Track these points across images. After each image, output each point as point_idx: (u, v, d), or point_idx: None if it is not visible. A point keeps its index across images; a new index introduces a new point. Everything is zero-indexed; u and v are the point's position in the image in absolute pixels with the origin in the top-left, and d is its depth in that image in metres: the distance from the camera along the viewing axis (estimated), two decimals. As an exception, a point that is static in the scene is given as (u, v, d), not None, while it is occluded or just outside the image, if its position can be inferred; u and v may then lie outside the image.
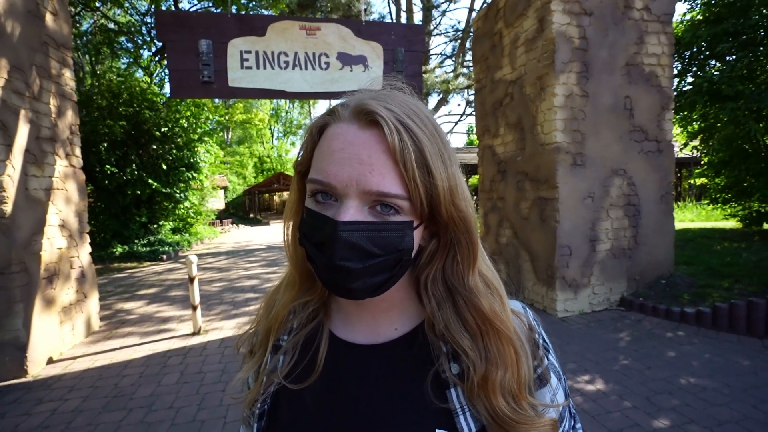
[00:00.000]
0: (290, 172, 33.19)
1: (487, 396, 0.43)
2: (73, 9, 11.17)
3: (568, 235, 4.34)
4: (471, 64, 9.80)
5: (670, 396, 2.69)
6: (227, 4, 11.92)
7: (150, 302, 5.83)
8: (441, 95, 11.04)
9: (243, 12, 12.06)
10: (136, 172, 9.57)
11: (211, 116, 12.11)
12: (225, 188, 24.58)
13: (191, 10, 11.64)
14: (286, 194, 33.89)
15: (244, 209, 28.03)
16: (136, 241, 10.16)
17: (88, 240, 4.49)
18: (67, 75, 4.18)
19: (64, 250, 3.97)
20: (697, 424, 2.36)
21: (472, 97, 11.54)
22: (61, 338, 3.84)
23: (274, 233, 16.84)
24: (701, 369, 3.05)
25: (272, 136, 41.65)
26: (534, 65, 4.53)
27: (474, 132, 7.51)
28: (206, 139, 11.58)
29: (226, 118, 17.57)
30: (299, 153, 0.49)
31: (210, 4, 12.47)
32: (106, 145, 9.21)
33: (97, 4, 10.66)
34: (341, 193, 0.41)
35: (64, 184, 4.04)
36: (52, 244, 3.78)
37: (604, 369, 3.14)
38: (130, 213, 10.12)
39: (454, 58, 11.29)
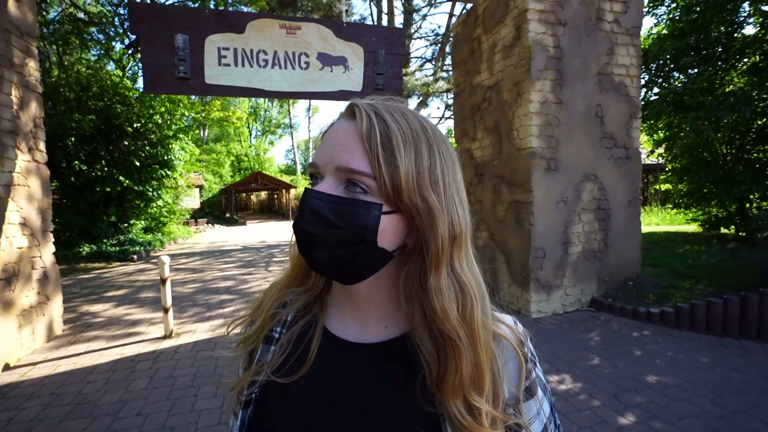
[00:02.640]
0: (268, 172, 32.64)
1: (442, 398, 0.45)
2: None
3: (542, 237, 4.45)
4: (450, 68, 9.95)
5: (636, 393, 2.81)
6: (205, -1, 11.65)
7: (118, 304, 5.61)
8: (421, 98, 11.12)
9: (221, 8, 11.81)
10: (106, 169, 9.20)
11: (186, 113, 11.77)
12: (200, 187, 23.94)
13: (167, 3, 11.29)
14: (263, 194, 33.36)
15: (220, 208, 27.39)
16: (105, 240, 9.76)
17: (52, 239, 4.28)
18: (32, 65, 3.98)
19: (25, 249, 3.78)
20: (660, 420, 2.47)
21: (451, 101, 11.70)
22: (19, 343, 3.65)
23: (250, 233, 16.53)
24: (664, 367, 3.19)
25: (250, 135, 40.93)
26: (511, 71, 4.64)
27: (453, 135, 7.62)
28: (181, 136, 11.25)
29: (203, 115, 17.14)
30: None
31: (187, -2, 12.15)
32: (73, 139, 8.82)
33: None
34: (322, 170, 0.47)
35: (27, 179, 3.84)
36: (12, 243, 3.59)
37: (575, 368, 3.24)
38: (98, 211, 9.71)
39: (434, 62, 11.41)
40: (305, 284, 0.57)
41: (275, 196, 30.64)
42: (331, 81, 4.15)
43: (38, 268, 3.98)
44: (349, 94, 4.19)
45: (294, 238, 0.54)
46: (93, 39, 13.09)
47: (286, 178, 30.08)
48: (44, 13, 11.40)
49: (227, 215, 25.42)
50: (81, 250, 9.16)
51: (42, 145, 4.13)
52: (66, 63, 12.69)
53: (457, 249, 0.47)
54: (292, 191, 26.28)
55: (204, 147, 29.31)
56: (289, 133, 44.36)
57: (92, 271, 8.28)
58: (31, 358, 3.69)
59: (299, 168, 41.19)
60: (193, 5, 12.15)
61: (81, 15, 12.13)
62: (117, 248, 9.54)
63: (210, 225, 19.86)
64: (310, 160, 0.50)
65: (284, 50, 4.05)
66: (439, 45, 13.01)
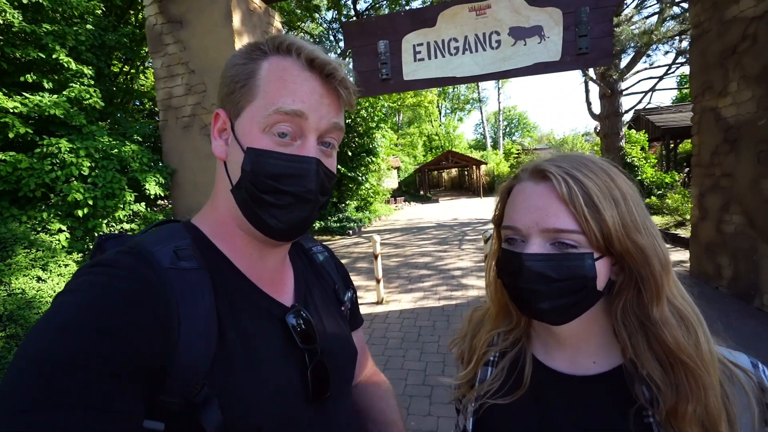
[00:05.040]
0: (458, 149, 33.30)
1: (677, 427, 0.46)
2: (283, 31, 13.75)
3: None
4: (686, 2, 7.52)
5: None
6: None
7: (343, 271, 6.95)
8: (640, 48, 8.70)
9: (412, 6, 12.46)
10: (329, 159, 11.35)
11: (385, 104, 13.22)
12: (398, 168, 26.58)
13: (367, 11, 12.73)
14: (454, 171, 34.44)
15: (414, 187, 29.80)
16: (329, 218, 12.16)
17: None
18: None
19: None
20: None
21: (685, 45, 8.84)
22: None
23: (443, 211, 17.40)
24: None
25: (440, 114, 42.44)
26: (795, -11, 3.27)
27: (686, 86, 5.89)
28: (382, 125, 12.75)
29: (399, 103, 18.81)
30: (494, 209, 0.60)
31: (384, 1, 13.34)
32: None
33: (299, 23, 12.82)
34: (525, 233, 0.52)
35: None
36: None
37: None
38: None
39: (659, -3, 8.83)
40: (508, 322, 0.64)
41: (465, 173, 31.11)
42: (525, 55, 3.89)
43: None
44: (546, 66, 3.84)
45: (491, 279, 0.63)
46: (315, 54, 16.04)
47: (476, 154, 30.06)
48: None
49: (421, 193, 27.45)
50: (315, 225, 11.69)
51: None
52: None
53: (666, 277, 0.49)
54: (483, 167, 26.07)
55: (400, 132, 32.16)
56: (478, 107, 43.76)
57: (323, 242, 10.47)
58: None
59: (489, 142, 40.37)
60: (386, 3, 13.26)
61: (308, 38, 15.04)
62: (338, 224, 11.75)
63: (407, 203, 21.94)
64: (506, 222, 0.55)
65: (474, 33, 4.02)
66: (667, -29, 9.97)
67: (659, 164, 12.96)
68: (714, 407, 0.45)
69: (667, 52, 9.80)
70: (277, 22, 5.38)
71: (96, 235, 3.96)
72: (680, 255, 5.92)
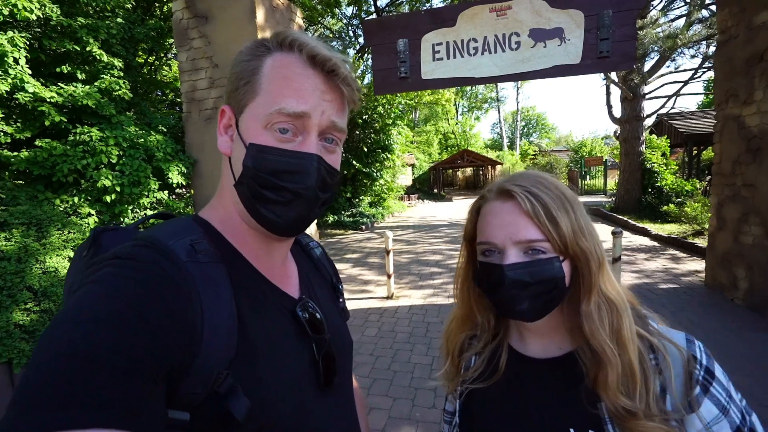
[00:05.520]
0: (473, 148, 33.05)
1: (601, 391, 0.57)
2: (304, 25, 13.84)
3: None
4: (714, 5, 7.24)
5: None
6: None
7: (354, 265, 7.07)
8: (664, 52, 8.38)
9: (432, 5, 12.36)
10: (343, 155, 11.44)
11: (402, 101, 13.22)
12: (412, 165, 26.50)
13: (386, 8, 12.72)
14: (469, 170, 34.19)
15: (428, 185, 29.70)
16: (343, 212, 12.27)
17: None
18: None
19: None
20: None
21: (712, 49, 8.53)
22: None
23: (456, 209, 17.36)
24: None
25: (457, 112, 42.10)
26: (826, -3, 3.20)
27: (711, 90, 5.74)
28: (398, 122, 12.77)
29: (416, 100, 18.76)
30: (466, 226, 0.70)
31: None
32: (324, 133, 11.32)
33: (320, 19, 12.90)
34: (501, 247, 0.60)
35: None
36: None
37: None
38: (339, 188, 12.24)
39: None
40: (473, 326, 0.74)
41: (480, 173, 30.87)
42: (544, 57, 3.89)
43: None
44: (566, 68, 3.83)
45: (459, 286, 0.73)
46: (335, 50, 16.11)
47: (491, 154, 29.83)
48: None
49: (435, 191, 27.36)
50: (328, 219, 11.83)
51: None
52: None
53: (602, 274, 0.60)
54: (498, 168, 25.85)
55: (416, 130, 32.04)
56: (496, 107, 43.29)
57: (335, 236, 10.61)
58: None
59: (505, 142, 39.93)
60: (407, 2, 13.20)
61: (327, 32, 15.12)
62: (351, 219, 11.86)
63: (420, 200, 21.91)
64: (481, 239, 0.63)
65: (494, 34, 4.03)
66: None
67: (681, 171, 12.66)
68: (629, 373, 0.55)
69: (693, 56, 9.55)
70: (298, 18, 5.48)
71: (122, 220, 4.14)
72: (696, 265, 5.83)
